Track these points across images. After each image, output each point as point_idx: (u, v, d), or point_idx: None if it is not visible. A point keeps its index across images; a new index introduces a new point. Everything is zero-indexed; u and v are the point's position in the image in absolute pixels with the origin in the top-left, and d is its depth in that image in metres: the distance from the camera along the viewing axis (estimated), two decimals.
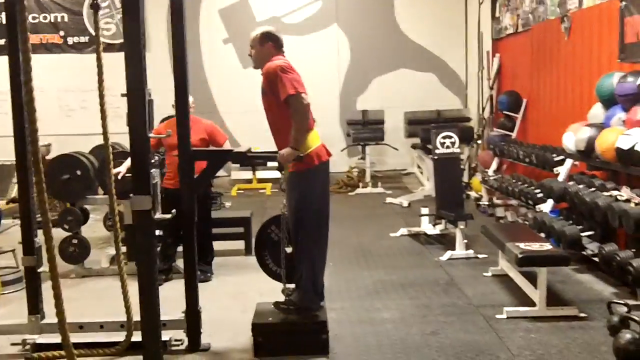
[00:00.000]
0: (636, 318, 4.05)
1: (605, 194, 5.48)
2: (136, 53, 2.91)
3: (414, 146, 11.06)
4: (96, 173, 6.25)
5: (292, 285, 4.51)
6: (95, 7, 3.90)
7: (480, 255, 6.57)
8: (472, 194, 9.88)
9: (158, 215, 3.09)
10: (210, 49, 12.40)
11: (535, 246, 4.96)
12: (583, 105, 7.16)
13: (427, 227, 7.51)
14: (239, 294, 5.65)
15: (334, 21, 12.48)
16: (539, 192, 7.14)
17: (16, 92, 3.53)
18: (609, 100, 6.06)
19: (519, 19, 9.51)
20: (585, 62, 7.23)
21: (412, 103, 12.30)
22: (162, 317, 4.37)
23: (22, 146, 3.60)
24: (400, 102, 12.34)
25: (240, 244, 7.03)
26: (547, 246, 4.99)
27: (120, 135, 8.40)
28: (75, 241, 6.31)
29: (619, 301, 4.52)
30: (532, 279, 5.30)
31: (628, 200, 5.16)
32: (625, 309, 4.41)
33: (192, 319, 4.26)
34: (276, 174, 12.20)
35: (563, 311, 4.85)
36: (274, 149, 4.35)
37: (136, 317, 3.97)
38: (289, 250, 4.43)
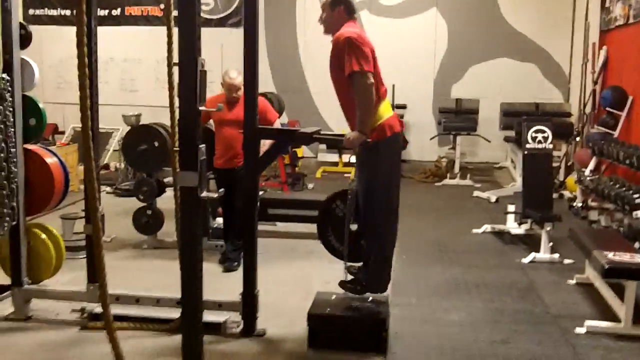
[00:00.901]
0: None
1: None
2: (189, 19, 2.74)
3: (507, 139, 10.54)
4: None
5: (357, 264, 4.31)
6: None
7: (566, 261, 6.12)
8: (567, 193, 9.32)
9: (205, 193, 2.94)
10: (305, 27, 12.25)
11: (625, 257, 4.52)
12: None
13: (512, 225, 7.10)
14: (303, 279, 5.49)
15: (433, 5, 12.04)
16: (638, 197, 6.59)
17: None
18: None
19: (631, 9, 8.82)
20: None
21: (509, 94, 11.75)
22: (220, 298, 4.32)
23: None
24: (498, 93, 11.81)
25: (313, 227, 6.84)
26: (639, 257, 4.54)
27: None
28: (149, 212, 6.33)
29: None
30: (620, 292, 4.88)
31: None
32: None
33: (249, 302, 4.12)
34: None
35: None
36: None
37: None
38: (354, 227, 4.20)
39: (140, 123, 9.28)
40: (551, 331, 4.47)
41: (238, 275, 4.73)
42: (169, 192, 7.18)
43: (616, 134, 8.75)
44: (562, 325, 4.57)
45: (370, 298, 4.26)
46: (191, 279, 3.01)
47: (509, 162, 11.96)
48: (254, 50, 3.87)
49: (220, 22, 11.91)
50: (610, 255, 4.53)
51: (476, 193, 9.68)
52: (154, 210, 6.35)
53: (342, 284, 4.29)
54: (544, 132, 6.66)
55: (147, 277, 5.47)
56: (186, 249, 3.01)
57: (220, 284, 5.15)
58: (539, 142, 6.65)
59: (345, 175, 11.31)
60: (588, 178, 8.25)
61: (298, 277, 5.55)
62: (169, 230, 6.54)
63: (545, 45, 12.00)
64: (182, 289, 3.06)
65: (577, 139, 10.06)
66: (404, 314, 4.67)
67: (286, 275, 5.55)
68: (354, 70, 3.87)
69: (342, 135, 4.00)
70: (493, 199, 9.27)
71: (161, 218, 6.38)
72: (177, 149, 3.01)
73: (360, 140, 3.89)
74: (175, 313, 4.15)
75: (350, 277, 4.32)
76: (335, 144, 4.23)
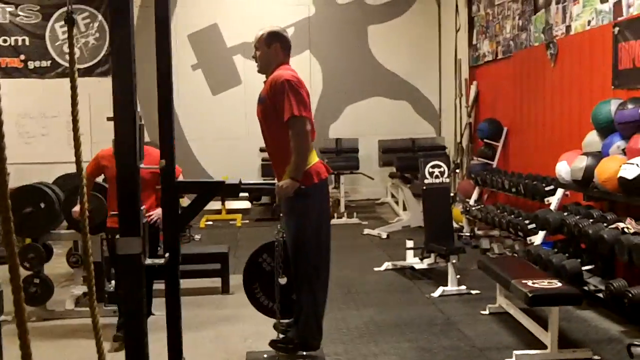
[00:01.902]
0: None
1: (611, 226, 5.18)
2: (125, 68, 2.48)
3: (392, 175, 10.74)
4: (62, 206, 5.74)
5: (286, 321, 4.09)
6: (70, 21, 3.45)
7: (473, 291, 6.21)
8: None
9: (149, 260, 2.64)
10: (178, 74, 11.92)
11: (543, 283, 4.62)
12: (573, 133, 6.93)
13: (413, 260, 7.14)
14: (219, 338, 5.16)
15: (306, 47, 12.16)
16: (529, 223, 6.86)
17: None
18: (606, 128, 5.81)
19: (498, 45, 9.33)
20: (574, 89, 7.02)
21: (385, 131, 12.06)
22: None
23: None
24: (374, 130, 12.09)
25: (216, 282, 6.55)
26: (557, 283, 4.65)
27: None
28: (37, 281, 5.75)
29: (638, 343, 4.21)
30: (535, 317, 4.99)
31: (637, 234, 4.88)
32: None
33: None
34: (246, 205, 11.92)
35: (576, 354, 4.51)
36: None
37: None
38: (283, 281, 3.99)
39: (9, 183, 8.62)
40: None
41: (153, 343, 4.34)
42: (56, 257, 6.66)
43: (494, 163, 9.14)
44: (491, 357, 4.58)
45: (305, 353, 4.05)
46: (138, 355, 2.68)
47: (389, 197, 12.20)
48: (169, 97, 3.61)
49: (88, 71, 11.36)
50: (530, 283, 4.61)
51: (366, 231, 9.72)
52: (42, 278, 5.79)
53: (273, 344, 4.07)
54: (440, 166, 6.79)
55: (42, 355, 4.92)
56: (131, 326, 2.68)
57: None
58: (436, 176, 6.77)
59: (231, 222, 11.04)
60: (475, 208, 8.53)
61: (213, 336, 5.21)
62: (60, 298, 6.00)
63: (414, 83, 12.45)
64: None
65: (457, 170, 10.42)
66: None
67: (200, 336, 5.18)
68: (294, 115, 3.73)
69: (272, 184, 3.81)
70: (384, 235, 9.34)
71: (51, 286, 5.82)
72: (114, 212, 2.69)
73: (293, 187, 3.73)
74: None
75: (280, 334, 4.10)
76: (267, 193, 4.00)
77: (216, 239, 9.30)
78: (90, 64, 11.46)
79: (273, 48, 4.01)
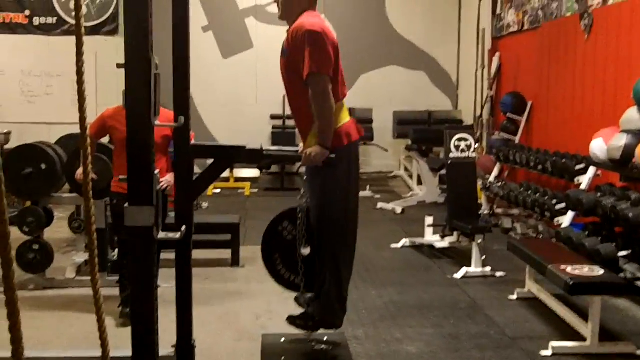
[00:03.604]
0: None
1: None
2: (140, 5, 2.07)
3: (408, 148, 10.33)
4: (64, 168, 5.37)
5: (309, 295, 3.74)
6: None
7: (497, 274, 5.85)
8: None
9: (162, 234, 2.27)
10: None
11: (584, 270, 4.25)
12: (607, 109, 6.52)
13: (432, 238, 6.78)
14: (229, 315, 4.81)
15: (320, 10, 11.63)
16: (557, 203, 6.47)
17: None
18: None
19: (525, 15, 8.85)
20: (610, 63, 6.58)
21: (401, 102, 11.65)
22: None
23: None
24: (389, 101, 11.67)
25: (225, 253, 6.19)
26: (599, 270, 4.28)
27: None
28: (36, 246, 5.40)
29: None
30: (569, 304, 4.65)
31: None
32: None
33: (185, 356, 3.43)
34: (256, 173, 11.54)
35: (617, 347, 4.15)
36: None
37: (113, 351, 3.16)
38: (306, 251, 3.62)
39: (10, 142, 8.24)
40: (517, 356, 4.11)
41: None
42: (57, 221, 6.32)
43: (517, 139, 8.74)
44: (525, 347, 4.23)
45: (326, 337, 3.70)
46: (146, 341, 2.32)
47: (402, 171, 11.82)
48: (185, 55, 3.20)
49: (94, 30, 10.89)
50: (569, 269, 4.24)
51: (380, 204, 9.35)
52: (42, 244, 5.44)
53: (292, 320, 3.72)
54: (466, 140, 6.40)
55: (40, 325, 4.59)
56: (139, 304, 2.32)
57: None
58: (462, 150, 6.38)
59: (239, 191, 10.68)
60: (496, 185, 8.14)
61: (221, 313, 4.86)
62: (60, 266, 5.66)
63: (432, 53, 11.99)
64: (134, 349, 2.35)
65: (476, 145, 9.99)
66: (357, 350, 4.12)
67: (207, 311, 4.81)
68: (312, 72, 3.32)
69: (296, 151, 3.43)
70: (399, 210, 8.98)
71: (50, 253, 5.48)
72: (122, 177, 2.29)
73: (322, 156, 3.34)
74: None
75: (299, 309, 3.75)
76: (292, 161, 3.62)
77: (224, 208, 8.96)
78: (98, 22, 10.97)
79: None
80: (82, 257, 5.80)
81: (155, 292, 2.38)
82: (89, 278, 5.50)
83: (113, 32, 10.99)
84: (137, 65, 2.11)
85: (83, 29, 3.05)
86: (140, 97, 2.12)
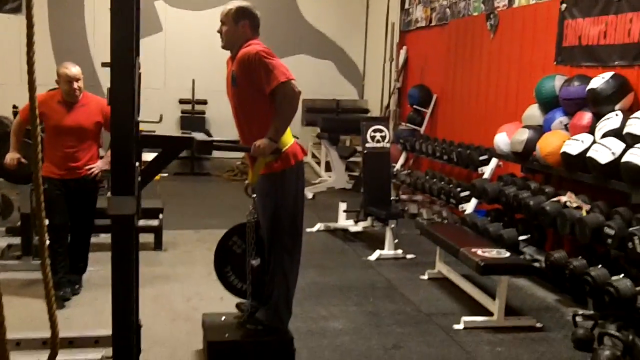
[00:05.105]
0: (615, 334, 3.90)
1: (553, 199, 5.32)
2: (125, 5, 2.20)
3: (319, 136, 10.65)
4: None
5: (247, 301, 3.98)
6: None
7: (408, 256, 6.29)
8: None
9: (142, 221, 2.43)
10: (97, 14, 11.25)
11: (492, 253, 4.70)
12: (509, 106, 7.06)
13: (346, 223, 7.14)
14: (161, 298, 4.96)
15: None
16: (461, 191, 6.99)
17: None
18: (549, 103, 5.94)
19: (433, 12, 9.34)
20: (514, 63, 7.12)
21: (309, 90, 11.89)
22: (93, 333, 3.76)
23: None
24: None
25: (148, 237, 6.28)
26: (505, 253, 4.75)
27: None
28: None
29: (583, 312, 4.38)
30: (474, 282, 5.11)
31: (578, 208, 5.04)
32: (590, 322, 4.28)
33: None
34: None
35: (520, 321, 4.64)
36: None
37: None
38: (256, 262, 3.86)
39: None
40: (433, 331, 4.51)
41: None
42: None
43: (422, 130, 9.23)
44: (439, 322, 4.64)
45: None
46: (125, 331, 2.48)
47: (309, 157, 12.14)
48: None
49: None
50: (479, 252, 4.69)
51: None
52: None
53: (242, 324, 3.94)
54: (381, 131, 6.77)
55: None
56: (120, 293, 2.47)
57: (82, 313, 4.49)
58: (377, 141, 6.74)
59: None
60: (403, 173, 8.61)
61: (153, 295, 4.98)
62: None
63: (340, 44, 12.35)
64: (115, 328, 2.51)
65: None
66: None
67: (140, 294, 4.92)
68: (281, 82, 3.54)
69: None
70: (310, 196, 9.26)
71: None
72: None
73: (271, 148, 3.58)
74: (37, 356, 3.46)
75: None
76: (240, 151, 3.82)
77: (170, 192, 8.98)
78: None
79: (241, 25, 3.80)
80: (3, 241, 5.74)
81: (135, 275, 2.54)
82: (11, 262, 5.48)
83: (16, 9, 10.62)
84: (122, 66, 2.25)
85: None
86: (124, 95, 2.27)
